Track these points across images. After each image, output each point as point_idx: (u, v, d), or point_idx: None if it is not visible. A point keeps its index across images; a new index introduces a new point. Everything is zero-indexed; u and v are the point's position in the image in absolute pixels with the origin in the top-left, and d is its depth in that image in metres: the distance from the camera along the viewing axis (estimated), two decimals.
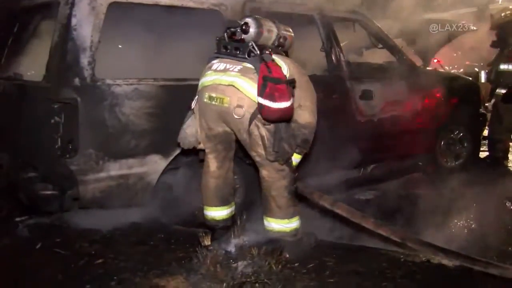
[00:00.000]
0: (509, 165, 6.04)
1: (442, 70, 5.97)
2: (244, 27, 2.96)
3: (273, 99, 2.70)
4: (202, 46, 3.78)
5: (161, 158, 3.56)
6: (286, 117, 2.81)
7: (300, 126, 2.98)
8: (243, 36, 2.98)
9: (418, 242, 2.99)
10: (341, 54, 4.53)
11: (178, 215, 3.71)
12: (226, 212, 3.22)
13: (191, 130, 3.15)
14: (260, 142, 2.87)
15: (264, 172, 2.97)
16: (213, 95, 2.94)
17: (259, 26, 2.96)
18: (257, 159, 2.96)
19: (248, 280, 2.52)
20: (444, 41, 6.41)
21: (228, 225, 3.25)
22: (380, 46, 5.07)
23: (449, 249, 2.92)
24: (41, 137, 3.38)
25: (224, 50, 3.05)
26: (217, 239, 3.02)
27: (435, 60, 7.12)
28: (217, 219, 3.21)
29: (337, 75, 4.48)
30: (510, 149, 6.11)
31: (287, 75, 2.88)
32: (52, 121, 3.26)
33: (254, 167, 3.32)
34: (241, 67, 2.91)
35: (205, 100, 2.99)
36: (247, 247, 2.86)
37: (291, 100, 2.74)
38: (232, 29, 3.05)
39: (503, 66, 5.69)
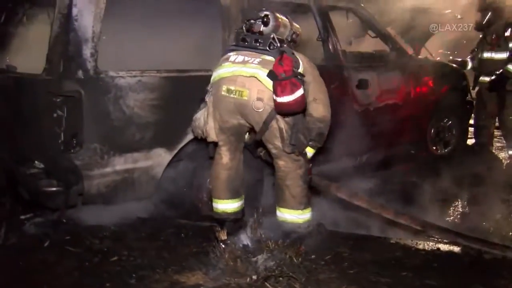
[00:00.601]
0: (493, 150, 6.22)
1: (432, 59, 6.04)
2: (265, 19, 2.95)
3: (276, 94, 2.75)
4: (202, 35, 3.76)
5: (166, 151, 3.51)
6: (292, 110, 2.82)
7: (316, 119, 3.00)
8: (263, 28, 2.96)
9: (438, 229, 3.06)
10: (337, 44, 4.55)
11: (182, 209, 3.68)
12: (237, 204, 3.22)
13: (199, 122, 3.14)
14: (278, 135, 2.88)
15: (280, 163, 3.00)
16: (232, 87, 2.92)
17: (276, 20, 2.97)
18: (274, 151, 2.98)
19: (273, 274, 2.53)
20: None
21: (238, 218, 3.25)
22: (374, 35, 5.11)
23: (469, 234, 2.99)
24: (42, 131, 3.28)
25: (242, 42, 3.04)
26: (233, 233, 3.01)
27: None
28: (229, 211, 3.20)
29: (335, 64, 4.50)
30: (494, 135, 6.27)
31: (301, 70, 2.89)
32: (55, 115, 3.16)
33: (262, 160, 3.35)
34: (261, 59, 2.91)
35: (222, 92, 2.97)
36: (263, 240, 2.85)
37: (296, 93, 2.73)
38: (251, 21, 3.03)
39: (486, 54, 5.72)
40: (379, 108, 4.82)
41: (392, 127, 4.95)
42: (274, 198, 3.14)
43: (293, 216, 3.02)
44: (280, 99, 2.74)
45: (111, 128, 3.28)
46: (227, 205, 3.19)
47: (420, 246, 3.10)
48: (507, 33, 5.53)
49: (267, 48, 2.92)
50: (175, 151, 3.55)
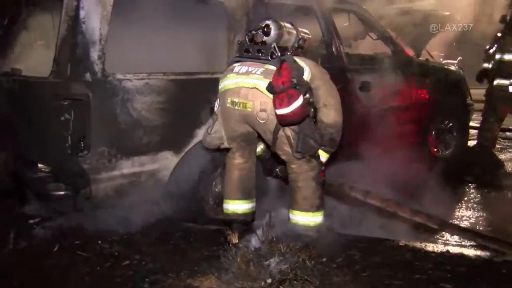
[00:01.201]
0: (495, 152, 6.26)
1: (433, 61, 6.07)
2: (265, 29, 2.98)
3: (275, 106, 2.78)
4: (208, 38, 3.77)
5: (173, 155, 3.51)
6: (291, 121, 2.83)
7: (326, 125, 3.01)
8: (265, 38, 3.00)
9: (456, 228, 3.08)
10: (340, 46, 4.58)
11: (188, 212, 3.68)
12: (248, 206, 3.23)
13: (220, 134, 3.15)
14: (286, 141, 2.93)
15: (292, 166, 3.02)
16: (236, 100, 2.96)
17: (279, 28, 3.00)
18: (284, 157, 3.02)
19: (287, 277, 2.53)
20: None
21: (248, 221, 3.26)
22: (375, 37, 5.15)
23: (487, 234, 3.01)
24: (49, 135, 3.26)
25: (245, 53, 3.08)
26: (242, 235, 3.02)
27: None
28: (239, 212, 3.21)
29: (338, 67, 4.52)
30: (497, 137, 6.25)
31: (309, 77, 2.92)
32: (62, 118, 3.15)
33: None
34: (263, 69, 2.94)
35: (228, 105, 3.01)
36: (275, 244, 2.86)
37: (293, 104, 2.73)
38: (253, 32, 3.06)
39: (508, 56, 5.47)
40: (381, 110, 4.85)
41: (393, 129, 4.97)
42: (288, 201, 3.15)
43: (305, 218, 3.03)
44: (279, 111, 2.77)
45: (119, 131, 3.28)
46: (237, 206, 3.20)
47: (429, 249, 3.11)
48: None
49: (269, 57, 2.94)
50: (182, 154, 3.55)
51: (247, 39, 3.12)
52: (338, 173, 3.84)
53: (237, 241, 2.98)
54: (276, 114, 2.80)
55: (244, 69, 3.00)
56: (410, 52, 5.46)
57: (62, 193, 3.20)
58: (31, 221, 3.30)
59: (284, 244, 2.82)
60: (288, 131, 2.91)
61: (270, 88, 2.81)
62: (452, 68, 6.17)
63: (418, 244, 3.19)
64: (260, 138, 3.16)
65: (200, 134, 3.58)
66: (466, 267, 2.86)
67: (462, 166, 5.32)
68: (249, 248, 2.82)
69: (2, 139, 3.66)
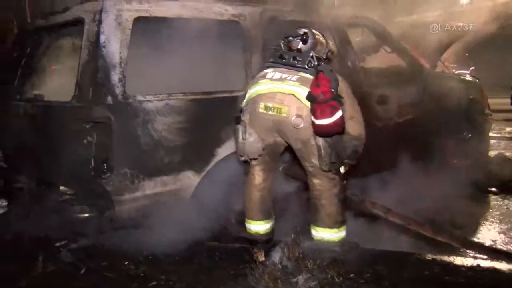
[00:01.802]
0: None
1: (449, 72, 6.07)
2: (304, 37, 2.98)
3: (315, 116, 2.74)
4: (225, 58, 3.81)
5: (194, 174, 3.53)
6: (331, 132, 2.81)
7: (352, 137, 3.00)
8: (301, 45, 2.99)
9: (479, 247, 3.03)
10: (356, 60, 4.59)
11: (211, 231, 3.68)
12: (269, 225, 3.22)
13: (254, 139, 3.07)
14: (316, 152, 2.88)
15: (315, 181, 2.99)
16: (270, 105, 2.93)
17: (314, 37, 3.00)
18: (310, 169, 2.97)
19: None
20: (448, 42, 6.48)
21: (270, 238, 3.25)
22: (389, 50, 5.16)
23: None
24: (72, 158, 3.30)
25: (280, 59, 3.06)
26: (270, 254, 3.01)
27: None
28: (261, 232, 3.20)
29: (355, 81, 4.52)
30: None
31: (338, 90, 2.88)
32: (85, 141, 3.19)
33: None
34: (299, 76, 2.92)
35: (260, 110, 2.97)
36: (301, 260, 2.84)
37: (335, 115, 2.72)
38: (289, 38, 3.06)
39: None
40: (399, 123, 4.84)
41: (411, 141, 4.96)
42: (310, 216, 3.13)
43: (329, 234, 3.02)
44: (319, 121, 2.72)
45: (140, 153, 3.30)
46: (260, 227, 3.19)
47: (458, 262, 3.04)
48: None
49: (306, 66, 2.93)
50: (203, 173, 3.57)
51: (282, 45, 3.11)
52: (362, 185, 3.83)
53: (263, 259, 2.96)
54: (314, 123, 2.76)
55: (277, 75, 2.98)
56: (425, 63, 5.46)
57: (86, 215, 3.24)
58: (57, 244, 3.32)
59: (311, 260, 2.79)
60: (321, 140, 2.86)
61: (310, 97, 2.77)
62: (468, 78, 6.15)
63: (446, 258, 3.12)
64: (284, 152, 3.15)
65: (220, 152, 3.61)
66: (501, 282, 2.80)
67: (483, 176, 5.25)
68: (276, 266, 2.79)
69: (25, 164, 3.72)
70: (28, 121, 3.70)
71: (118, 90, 3.23)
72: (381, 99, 4.62)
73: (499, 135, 8.34)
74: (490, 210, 4.51)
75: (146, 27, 3.43)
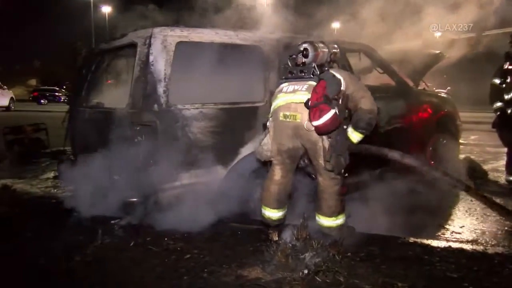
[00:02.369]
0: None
1: (429, 90, 5.94)
2: (304, 52, 2.92)
3: (309, 119, 2.73)
4: (248, 75, 3.77)
5: (222, 168, 3.49)
6: (323, 132, 2.74)
7: (365, 111, 2.83)
8: (304, 60, 2.94)
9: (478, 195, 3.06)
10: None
11: (235, 214, 3.63)
12: (281, 214, 3.12)
13: (268, 146, 3.06)
14: (321, 153, 2.81)
15: (320, 178, 2.92)
16: (287, 113, 2.90)
17: (315, 49, 2.92)
18: (317, 167, 2.91)
19: (321, 269, 2.45)
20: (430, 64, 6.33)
21: (281, 223, 3.19)
22: (381, 71, 5.06)
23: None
24: (125, 153, 3.30)
25: (290, 75, 3.02)
26: (282, 234, 2.96)
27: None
28: (273, 219, 3.11)
29: None
30: None
31: (344, 86, 2.79)
32: (136, 140, 3.20)
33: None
34: (308, 85, 2.87)
35: (280, 118, 2.94)
36: (308, 241, 2.78)
37: (324, 117, 2.63)
38: (293, 56, 3.01)
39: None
40: (389, 131, 4.75)
41: (398, 146, 4.85)
42: (315, 205, 3.06)
43: (328, 222, 2.93)
44: (313, 123, 2.69)
45: (179, 150, 3.28)
46: (272, 214, 3.11)
47: (434, 244, 2.99)
48: None
49: (311, 75, 2.89)
50: (229, 168, 3.53)
51: (289, 63, 3.06)
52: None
53: (277, 239, 2.91)
54: (313, 126, 2.72)
55: (291, 88, 2.94)
56: (410, 83, 5.35)
57: (135, 199, 3.23)
58: (112, 222, 3.32)
59: (316, 241, 2.74)
60: (326, 142, 2.80)
61: (306, 104, 2.75)
62: (444, 95, 6.01)
63: (425, 241, 3.06)
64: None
65: (242, 152, 3.57)
66: (467, 259, 2.74)
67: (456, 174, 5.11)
68: (287, 244, 2.74)
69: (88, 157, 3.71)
70: (91, 124, 3.71)
71: (162, 100, 3.23)
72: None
73: (466, 141, 8.19)
74: (460, 202, 4.38)
75: (186, 50, 3.42)
